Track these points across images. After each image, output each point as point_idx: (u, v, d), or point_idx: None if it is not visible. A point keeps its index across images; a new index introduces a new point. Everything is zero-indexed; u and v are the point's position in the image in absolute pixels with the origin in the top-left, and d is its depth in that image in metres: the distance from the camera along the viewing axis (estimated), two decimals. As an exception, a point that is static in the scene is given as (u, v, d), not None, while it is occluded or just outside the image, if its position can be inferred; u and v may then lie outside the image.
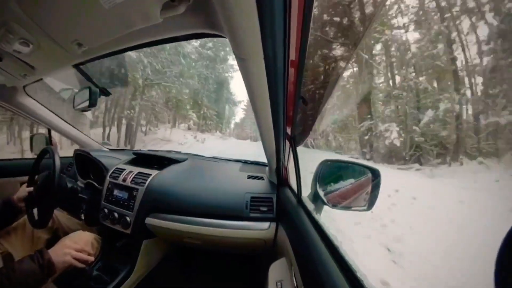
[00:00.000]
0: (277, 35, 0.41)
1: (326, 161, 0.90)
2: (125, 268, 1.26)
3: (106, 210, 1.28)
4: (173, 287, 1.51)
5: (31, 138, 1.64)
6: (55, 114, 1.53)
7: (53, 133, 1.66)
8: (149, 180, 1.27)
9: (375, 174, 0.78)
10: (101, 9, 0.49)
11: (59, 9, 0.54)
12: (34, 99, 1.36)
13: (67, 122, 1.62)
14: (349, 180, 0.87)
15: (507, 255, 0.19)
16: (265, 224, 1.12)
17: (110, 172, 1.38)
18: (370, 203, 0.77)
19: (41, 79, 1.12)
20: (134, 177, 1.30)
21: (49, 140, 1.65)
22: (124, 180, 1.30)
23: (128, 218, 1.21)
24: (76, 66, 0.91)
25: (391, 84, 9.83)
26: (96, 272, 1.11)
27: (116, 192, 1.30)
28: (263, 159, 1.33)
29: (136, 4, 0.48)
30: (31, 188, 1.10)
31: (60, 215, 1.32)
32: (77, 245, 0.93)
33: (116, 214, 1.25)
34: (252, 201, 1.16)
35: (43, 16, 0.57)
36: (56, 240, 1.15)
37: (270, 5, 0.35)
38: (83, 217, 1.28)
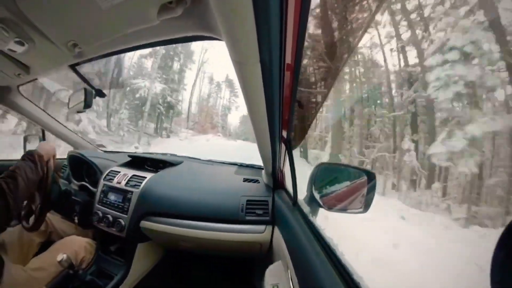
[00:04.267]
0: (273, 39, 0.41)
1: (321, 164, 0.90)
2: (120, 272, 1.24)
3: (100, 213, 1.26)
4: None
5: (25, 138, 1.61)
6: (49, 115, 1.51)
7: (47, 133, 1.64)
8: (144, 183, 1.25)
9: (371, 177, 0.78)
10: (98, 9, 0.49)
11: (56, 8, 0.54)
12: (28, 99, 1.34)
13: (61, 123, 1.60)
14: (344, 183, 0.87)
15: (502, 255, 0.19)
16: (261, 227, 1.11)
17: (105, 174, 1.37)
18: (366, 205, 0.77)
19: (36, 79, 1.11)
20: (129, 180, 1.29)
21: (43, 141, 1.62)
22: (118, 182, 1.29)
23: (122, 221, 1.20)
24: (72, 66, 0.91)
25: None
26: (90, 277, 1.09)
27: (110, 194, 1.29)
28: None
29: (133, 5, 0.48)
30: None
31: (53, 219, 1.29)
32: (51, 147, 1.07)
33: (110, 217, 1.23)
34: (248, 204, 1.15)
35: (39, 15, 0.57)
36: (49, 244, 1.13)
37: (266, 9, 0.35)
38: (76, 220, 1.25)
